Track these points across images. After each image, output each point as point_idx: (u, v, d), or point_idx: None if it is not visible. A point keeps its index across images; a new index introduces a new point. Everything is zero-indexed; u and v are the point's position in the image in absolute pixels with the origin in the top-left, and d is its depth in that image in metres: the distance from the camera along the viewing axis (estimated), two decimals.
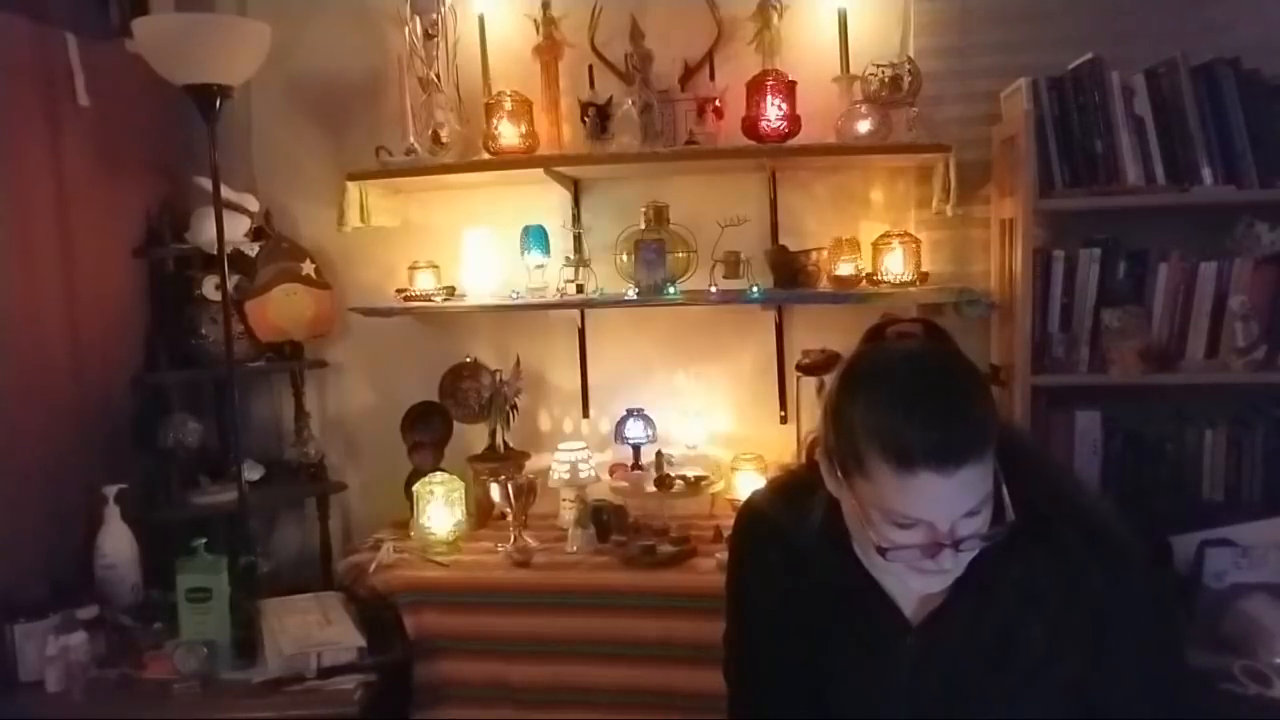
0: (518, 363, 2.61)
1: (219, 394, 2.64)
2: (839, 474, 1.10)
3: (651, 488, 2.45)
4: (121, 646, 2.02)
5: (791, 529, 1.23)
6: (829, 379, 1.16)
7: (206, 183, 2.29)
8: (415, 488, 2.44)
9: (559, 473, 2.47)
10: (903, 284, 2.33)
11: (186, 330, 2.55)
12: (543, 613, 2.16)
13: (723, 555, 2.17)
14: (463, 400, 2.65)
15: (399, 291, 2.59)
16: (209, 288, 2.52)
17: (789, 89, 2.35)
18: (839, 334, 2.33)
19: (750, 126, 2.35)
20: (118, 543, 2.21)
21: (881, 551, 1.06)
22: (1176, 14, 2.26)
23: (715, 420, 2.63)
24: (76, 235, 2.30)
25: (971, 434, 1.02)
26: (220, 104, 2.19)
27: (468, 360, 2.66)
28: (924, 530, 1.04)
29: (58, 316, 2.25)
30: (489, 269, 2.57)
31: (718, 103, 2.40)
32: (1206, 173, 2.10)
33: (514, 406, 2.59)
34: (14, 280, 2.11)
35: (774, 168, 2.49)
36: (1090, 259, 2.18)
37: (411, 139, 2.47)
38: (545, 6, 2.50)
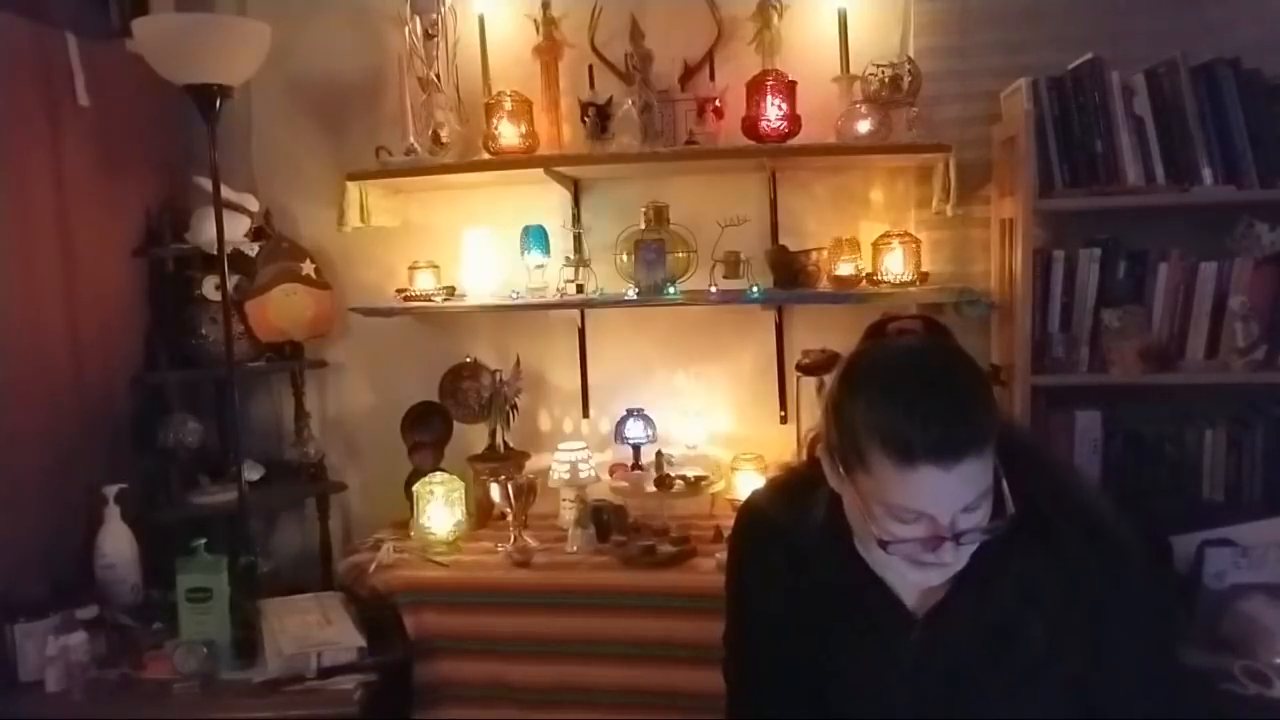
0: (518, 363, 2.61)
1: (219, 394, 2.64)
2: (841, 469, 1.10)
3: (651, 488, 2.45)
4: (121, 646, 2.02)
5: (792, 527, 1.23)
6: (829, 378, 1.17)
7: (206, 183, 2.30)
8: (415, 488, 2.44)
9: (559, 473, 2.47)
10: (903, 284, 2.33)
11: (186, 330, 2.55)
12: (543, 613, 2.16)
13: (723, 555, 2.15)
14: (463, 400, 2.65)
15: (399, 291, 2.59)
16: (209, 288, 2.52)
17: (789, 89, 2.35)
18: (839, 334, 2.33)
19: (750, 126, 2.35)
20: (118, 543, 2.21)
21: (883, 545, 1.07)
22: (1176, 14, 2.26)
23: (715, 420, 2.63)
24: (76, 235, 2.30)
25: (971, 429, 1.03)
26: (220, 104, 2.19)
27: (468, 360, 2.67)
28: (924, 524, 1.05)
29: (58, 316, 2.26)
30: (489, 269, 2.57)
31: (718, 103, 2.40)
32: (1206, 173, 2.10)
33: (514, 406, 2.59)
34: (14, 280, 2.11)
35: (774, 168, 2.49)
36: (1090, 259, 2.18)
37: (411, 139, 2.47)
38: (545, 6, 2.50)
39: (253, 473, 2.57)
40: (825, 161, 2.47)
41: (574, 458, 2.47)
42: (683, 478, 2.46)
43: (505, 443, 2.59)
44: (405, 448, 2.59)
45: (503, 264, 2.58)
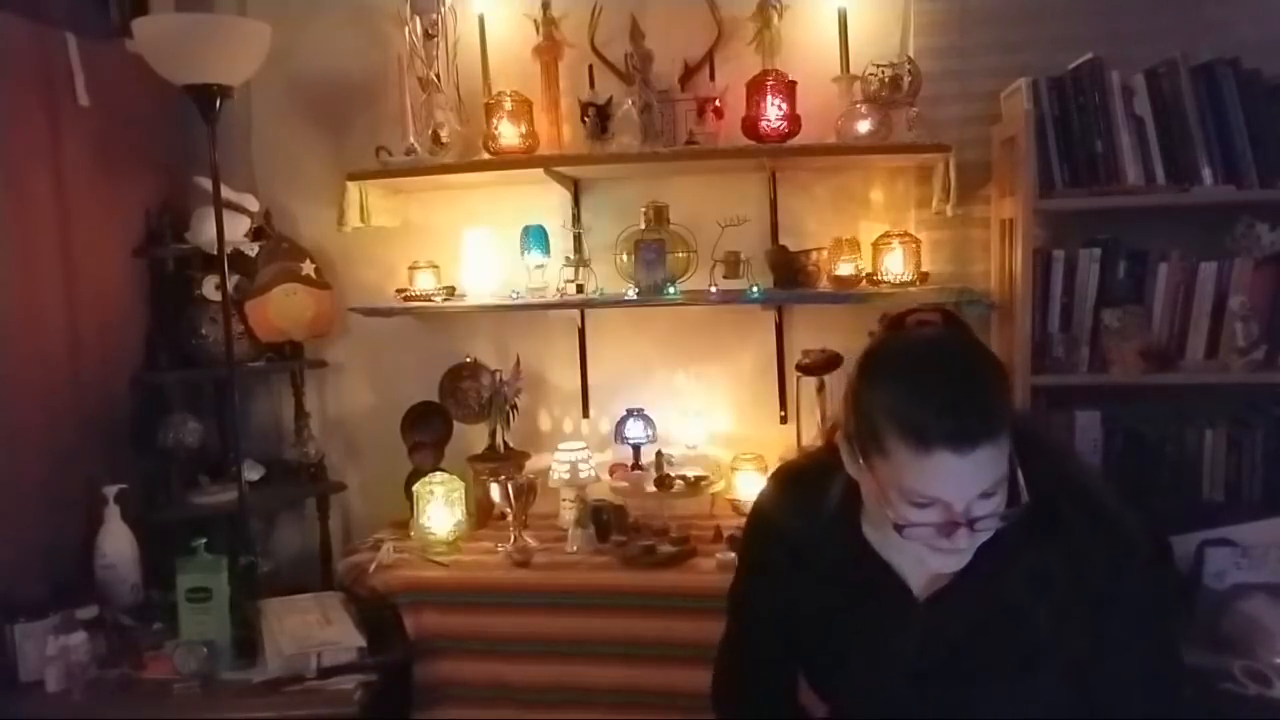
0: (518, 363, 2.61)
1: (219, 394, 2.64)
2: (859, 456, 1.12)
3: (651, 488, 2.45)
4: (121, 646, 2.02)
5: (801, 524, 1.26)
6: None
7: (206, 183, 2.29)
8: (415, 488, 2.44)
9: (559, 473, 2.47)
10: (903, 284, 2.33)
11: (186, 330, 2.55)
12: (543, 613, 2.16)
13: (723, 555, 2.18)
14: (463, 400, 2.65)
15: (399, 291, 2.59)
16: (209, 288, 2.52)
17: (789, 89, 2.35)
18: (839, 334, 2.33)
19: (750, 126, 2.35)
20: (118, 543, 2.21)
21: (898, 529, 1.08)
22: (1176, 14, 2.26)
23: (715, 420, 2.63)
24: (76, 235, 2.30)
25: (987, 416, 1.04)
26: (220, 104, 2.19)
27: (468, 360, 2.67)
28: (940, 509, 1.06)
29: (58, 316, 2.26)
30: (489, 269, 2.57)
31: (718, 103, 2.40)
32: (1206, 173, 2.09)
33: (514, 406, 2.59)
34: (14, 280, 2.11)
35: (774, 168, 2.49)
36: (1090, 259, 2.18)
37: (411, 139, 2.47)
38: (545, 6, 2.50)
39: (253, 473, 2.57)
40: (825, 161, 2.47)
41: (574, 458, 2.47)
42: (683, 478, 2.46)
43: (505, 443, 2.59)
44: (405, 448, 2.59)
45: (503, 264, 2.58)
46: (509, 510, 2.39)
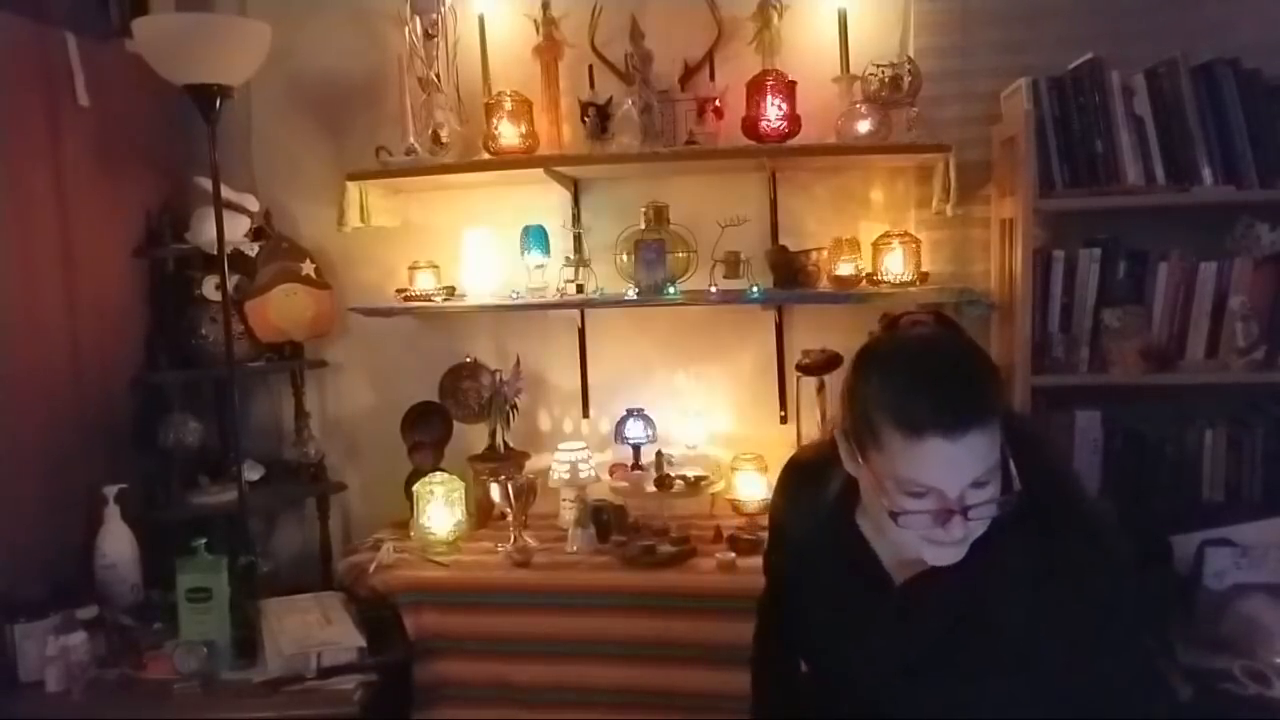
0: (518, 363, 2.61)
1: (219, 394, 2.64)
2: (855, 451, 1.16)
3: (651, 488, 2.45)
4: (121, 646, 2.02)
5: (802, 508, 1.37)
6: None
7: (206, 183, 2.30)
8: (415, 488, 2.44)
9: (559, 473, 2.47)
10: (903, 284, 2.33)
11: (186, 330, 2.55)
12: (543, 613, 2.16)
13: (723, 555, 2.18)
14: (463, 400, 2.65)
15: (399, 291, 2.59)
16: (209, 288, 2.52)
17: (789, 89, 2.35)
18: (839, 334, 2.33)
19: (750, 126, 2.35)
20: (118, 543, 2.21)
21: (895, 518, 1.11)
22: (1176, 14, 2.26)
23: (715, 420, 2.63)
24: (76, 235, 2.30)
25: (977, 402, 1.08)
26: (220, 104, 2.19)
27: (468, 360, 2.67)
28: (935, 498, 1.09)
29: (58, 316, 2.26)
30: (489, 269, 2.57)
31: (718, 103, 2.40)
32: (1206, 173, 2.09)
33: (514, 406, 2.59)
34: (14, 280, 2.12)
35: (774, 168, 2.49)
36: (1090, 259, 2.18)
37: (411, 139, 2.47)
38: (545, 6, 2.50)
39: (253, 473, 2.57)
40: (825, 161, 2.47)
41: (574, 458, 2.47)
42: (683, 478, 2.46)
43: (505, 443, 2.59)
44: (405, 448, 2.59)
45: (503, 264, 2.58)
46: (509, 510, 2.40)
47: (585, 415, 2.71)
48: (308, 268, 2.63)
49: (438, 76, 2.49)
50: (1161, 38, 2.19)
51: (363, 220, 2.54)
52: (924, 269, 2.40)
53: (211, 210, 2.28)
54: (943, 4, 2.42)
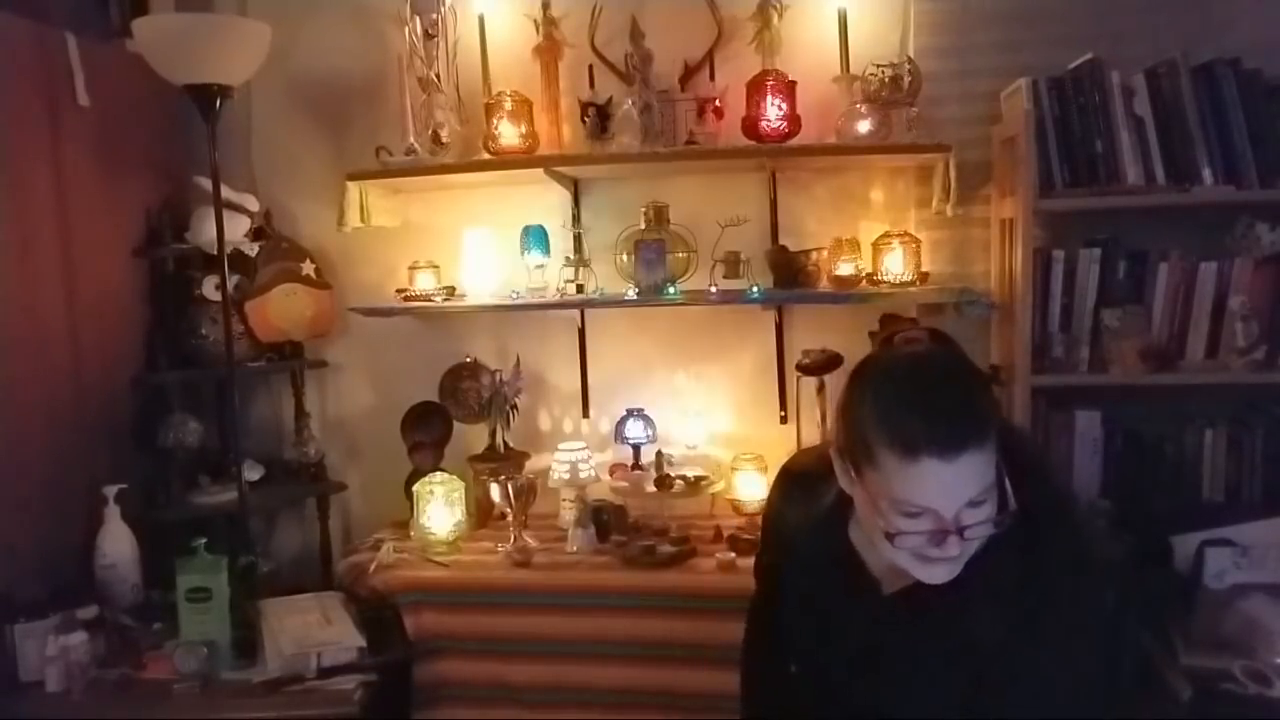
0: (518, 363, 2.61)
1: (219, 394, 2.64)
2: (850, 470, 1.16)
3: (651, 488, 2.45)
4: (121, 646, 2.02)
5: (795, 516, 1.37)
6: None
7: (206, 183, 2.29)
8: (415, 488, 2.44)
9: (559, 473, 2.47)
10: (903, 284, 2.33)
11: (186, 330, 2.55)
12: (543, 613, 2.16)
13: (723, 555, 2.18)
14: (463, 400, 2.65)
15: (399, 291, 2.59)
16: (209, 288, 2.52)
17: (789, 89, 2.35)
18: (839, 334, 2.33)
19: (750, 126, 2.35)
20: (118, 543, 2.21)
21: (889, 537, 1.11)
22: (1176, 14, 2.26)
23: (715, 420, 2.63)
24: (76, 235, 2.30)
25: (972, 423, 1.08)
26: (220, 104, 2.19)
27: (468, 360, 2.67)
28: (930, 518, 1.09)
29: (58, 316, 2.26)
30: (489, 269, 2.57)
31: (718, 103, 2.40)
32: (1206, 173, 2.09)
33: (514, 406, 2.59)
34: (14, 280, 2.11)
35: (774, 168, 2.49)
36: (1090, 259, 2.18)
37: (411, 139, 2.47)
38: (545, 6, 2.50)
39: (253, 473, 2.57)
40: (825, 161, 2.47)
41: (574, 458, 2.47)
42: (683, 478, 2.46)
43: (505, 443, 2.59)
44: (405, 448, 2.59)
45: (503, 264, 2.58)
46: (509, 510, 2.40)
47: (585, 415, 2.71)
48: (308, 268, 2.63)
49: (438, 76, 2.49)
50: (1161, 38, 2.19)
51: (363, 220, 2.54)
52: (924, 269, 2.40)
53: (211, 210, 2.28)
54: (942, 4, 2.42)
